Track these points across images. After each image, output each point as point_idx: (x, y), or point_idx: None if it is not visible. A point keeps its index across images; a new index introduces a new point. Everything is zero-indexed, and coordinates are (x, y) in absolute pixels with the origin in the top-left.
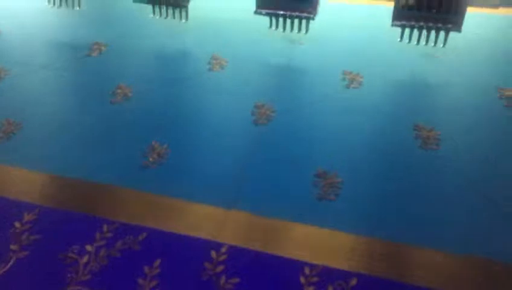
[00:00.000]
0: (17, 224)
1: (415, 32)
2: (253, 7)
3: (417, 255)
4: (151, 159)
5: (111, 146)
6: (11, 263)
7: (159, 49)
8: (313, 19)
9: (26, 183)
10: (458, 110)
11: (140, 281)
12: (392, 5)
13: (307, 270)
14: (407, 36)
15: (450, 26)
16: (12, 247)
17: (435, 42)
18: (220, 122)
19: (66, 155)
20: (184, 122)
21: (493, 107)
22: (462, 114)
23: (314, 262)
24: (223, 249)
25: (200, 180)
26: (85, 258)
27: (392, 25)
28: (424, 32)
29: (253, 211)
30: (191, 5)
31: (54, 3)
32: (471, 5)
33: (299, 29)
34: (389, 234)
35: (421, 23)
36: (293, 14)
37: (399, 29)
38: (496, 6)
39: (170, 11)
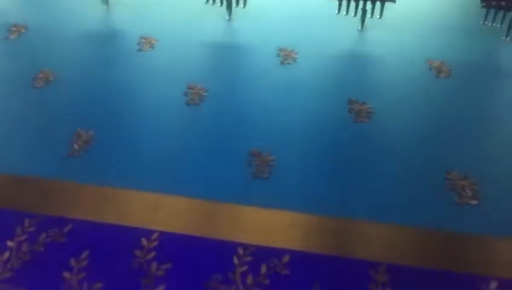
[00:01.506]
0: None
1: (352, 4)
2: None
3: (353, 228)
4: (76, 147)
5: (33, 135)
6: None
7: (85, 31)
8: None
9: None
10: (390, 83)
11: (66, 274)
12: None
13: (240, 251)
14: (345, 9)
15: None
16: None
17: (371, 14)
18: (151, 105)
19: None
20: (112, 106)
21: (424, 79)
22: (394, 87)
23: (248, 242)
24: (154, 236)
25: (131, 165)
26: (6, 255)
27: None
28: (360, 3)
29: (187, 195)
30: None
31: None
32: None
33: (237, 3)
34: (325, 208)
35: None
36: None
37: (335, 3)
38: None
39: None
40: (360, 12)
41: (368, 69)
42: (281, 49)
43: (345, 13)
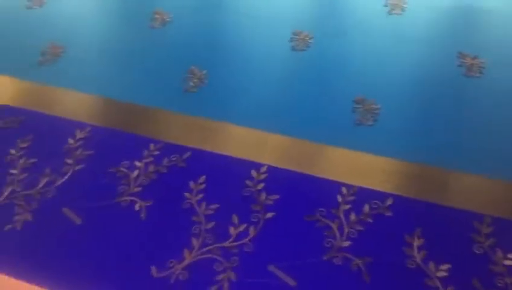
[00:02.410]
0: (70, 140)
1: None
2: None
3: (456, 179)
4: (192, 84)
5: (151, 70)
6: (68, 174)
7: None
8: None
9: (75, 103)
10: (505, 38)
11: (187, 194)
12: None
13: (344, 190)
14: None
15: None
16: (68, 161)
17: None
18: (258, 49)
19: (110, 77)
20: (222, 48)
21: None
22: (509, 42)
23: (351, 183)
24: (263, 169)
25: (240, 104)
26: (135, 173)
27: None
28: None
29: (291, 134)
30: None
31: None
32: None
33: None
34: (428, 158)
35: None
36: None
37: None
38: None
39: None
40: None
41: (480, 22)
42: None
43: None
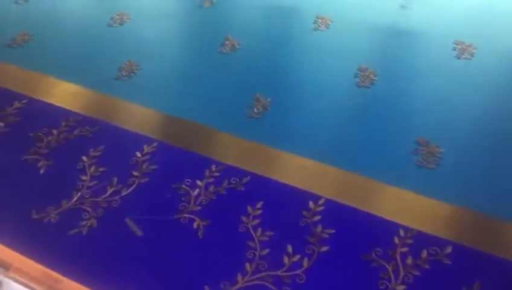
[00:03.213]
0: (138, 154)
1: None
2: None
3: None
4: (256, 110)
5: (219, 93)
6: (133, 186)
7: (268, 3)
8: None
9: (145, 118)
10: None
11: (243, 218)
12: None
13: (401, 232)
14: None
15: None
16: (135, 173)
17: None
18: (323, 81)
19: (179, 97)
20: (287, 78)
21: None
22: None
23: (410, 225)
24: (321, 201)
25: (301, 134)
26: (196, 191)
27: None
28: None
29: (351, 169)
30: None
31: None
32: None
33: None
34: (489, 208)
35: None
36: None
37: None
38: None
39: None
40: None
41: None
42: (457, 42)
43: None
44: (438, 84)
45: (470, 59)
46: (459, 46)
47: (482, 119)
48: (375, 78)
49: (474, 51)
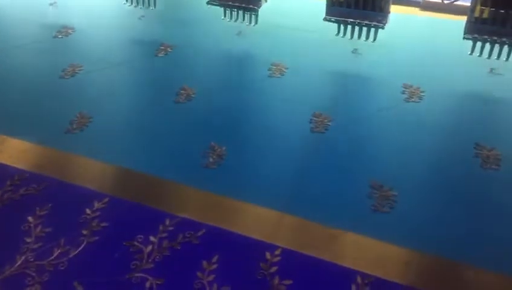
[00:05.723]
0: (88, 211)
1: (487, 46)
2: (323, 14)
3: (471, 276)
4: (211, 160)
5: (173, 144)
6: (82, 246)
7: (223, 52)
8: (383, 28)
9: (96, 172)
10: None
11: (199, 274)
12: (456, 18)
13: (359, 279)
14: (478, 50)
15: None
16: (84, 232)
17: (507, 57)
18: (278, 128)
19: (132, 150)
20: (242, 125)
21: None
22: None
23: (367, 272)
24: (277, 252)
25: (257, 183)
26: (149, 248)
27: (464, 38)
28: (496, 46)
29: (306, 217)
30: (261, 10)
31: (132, 2)
32: None
33: (367, 37)
34: (444, 250)
35: (495, 38)
36: (363, 22)
37: (465, 43)
38: None
39: (241, 14)
40: (494, 55)
41: (498, 113)
42: (405, 85)
43: (478, 54)
44: (389, 128)
45: (418, 102)
46: (408, 90)
47: (432, 161)
48: (329, 123)
49: (423, 94)
